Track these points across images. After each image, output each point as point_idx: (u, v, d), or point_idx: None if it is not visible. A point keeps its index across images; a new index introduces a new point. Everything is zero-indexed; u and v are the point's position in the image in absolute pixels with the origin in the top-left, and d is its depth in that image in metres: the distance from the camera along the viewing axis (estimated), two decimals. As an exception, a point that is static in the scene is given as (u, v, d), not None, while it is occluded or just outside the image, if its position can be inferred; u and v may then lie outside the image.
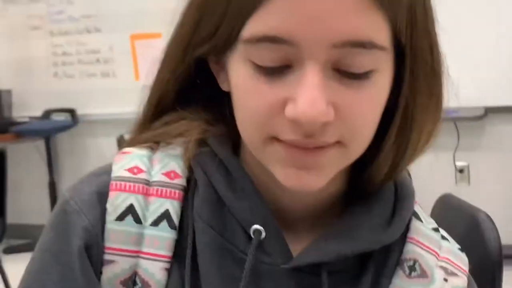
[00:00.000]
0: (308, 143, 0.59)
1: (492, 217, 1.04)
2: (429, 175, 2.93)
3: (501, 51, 3.19)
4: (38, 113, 4.41)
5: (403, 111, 0.63)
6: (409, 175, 0.76)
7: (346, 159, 0.63)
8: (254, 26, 0.57)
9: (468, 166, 3.40)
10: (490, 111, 3.28)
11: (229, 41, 0.60)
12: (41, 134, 4.33)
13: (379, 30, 0.57)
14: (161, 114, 0.71)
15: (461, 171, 3.40)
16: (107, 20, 4.24)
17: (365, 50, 0.57)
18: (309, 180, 0.61)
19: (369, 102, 0.60)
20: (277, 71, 0.58)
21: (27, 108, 4.47)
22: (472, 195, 3.26)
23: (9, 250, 4.23)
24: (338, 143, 0.60)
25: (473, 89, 3.13)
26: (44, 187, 4.37)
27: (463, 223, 1.05)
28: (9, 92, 4.46)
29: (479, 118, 3.27)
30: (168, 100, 0.70)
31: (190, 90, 0.70)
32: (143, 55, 4.10)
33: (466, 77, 3.03)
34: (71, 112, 4.32)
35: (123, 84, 4.16)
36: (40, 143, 4.41)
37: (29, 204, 4.54)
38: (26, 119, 4.44)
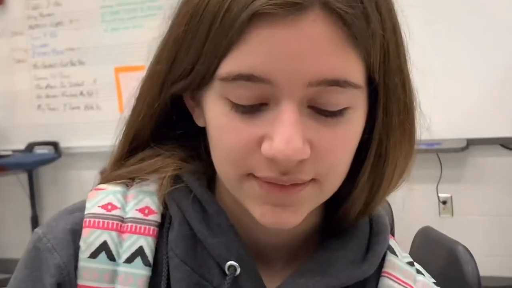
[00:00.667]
0: (284, 180, 0.59)
1: (476, 248, 1.04)
2: (413, 207, 2.94)
3: (482, 84, 3.22)
4: (21, 146, 4.38)
5: (376, 147, 0.64)
6: (390, 207, 0.76)
7: (322, 195, 0.63)
8: (230, 65, 0.57)
9: (451, 198, 3.41)
10: (472, 143, 3.30)
11: (205, 79, 0.60)
12: (24, 167, 4.29)
13: (353, 69, 0.57)
14: (136, 150, 0.71)
15: (444, 202, 3.41)
16: (91, 53, 4.24)
17: (340, 89, 0.57)
18: (285, 217, 0.61)
19: (343, 139, 0.60)
20: (253, 109, 0.58)
21: (10, 141, 4.44)
22: (455, 226, 3.28)
23: (-10, 285, 4.17)
24: (313, 180, 0.60)
25: (455, 121, 3.15)
26: (26, 220, 4.32)
27: (442, 255, 1.05)
28: (-8, 125, 4.44)
29: (462, 150, 3.29)
30: (144, 137, 0.70)
31: (165, 127, 0.70)
32: (127, 88, 4.10)
33: (448, 110, 3.05)
34: (54, 145, 4.30)
35: (107, 117, 4.14)
36: (23, 176, 4.38)
37: (11, 238, 4.49)
38: (9, 152, 4.40)
